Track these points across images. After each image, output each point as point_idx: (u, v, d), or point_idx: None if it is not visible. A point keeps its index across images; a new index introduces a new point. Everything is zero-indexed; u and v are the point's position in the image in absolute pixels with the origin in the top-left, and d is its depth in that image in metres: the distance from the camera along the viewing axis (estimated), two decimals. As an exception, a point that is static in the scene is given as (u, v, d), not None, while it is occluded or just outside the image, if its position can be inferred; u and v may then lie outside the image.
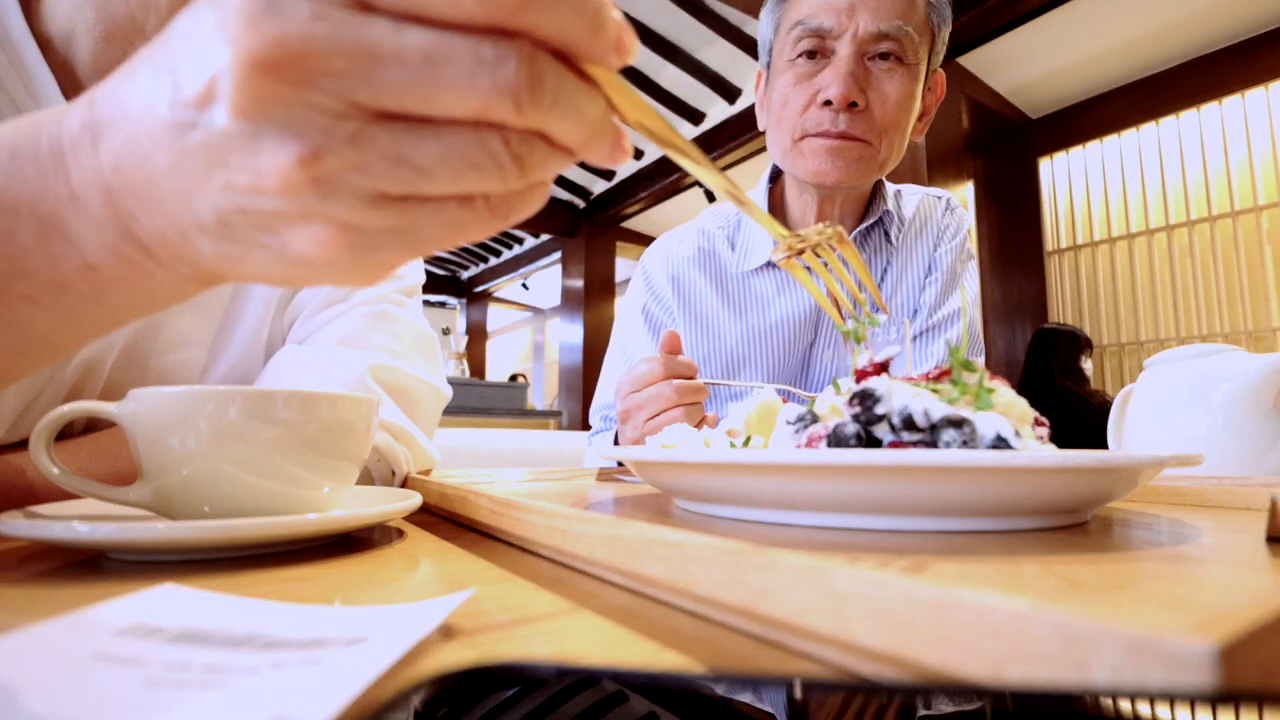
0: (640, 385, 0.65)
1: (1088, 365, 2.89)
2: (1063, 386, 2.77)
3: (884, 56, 0.76)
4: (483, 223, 0.20)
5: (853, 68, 0.75)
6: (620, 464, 0.57)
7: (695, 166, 0.25)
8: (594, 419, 0.97)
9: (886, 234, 0.90)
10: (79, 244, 0.22)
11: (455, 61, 0.17)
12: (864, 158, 0.78)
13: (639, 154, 4.42)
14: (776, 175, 0.94)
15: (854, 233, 0.88)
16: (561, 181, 4.72)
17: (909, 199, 0.94)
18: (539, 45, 0.18)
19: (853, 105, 0.76)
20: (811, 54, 0.76)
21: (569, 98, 0.18)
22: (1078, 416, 2.66)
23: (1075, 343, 2.89)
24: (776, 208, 0.92)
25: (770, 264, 0.88)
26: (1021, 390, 2.85)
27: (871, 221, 0.89)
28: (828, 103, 0.76)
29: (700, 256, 0.92)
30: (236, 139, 0.17)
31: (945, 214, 0.93)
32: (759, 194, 0.92)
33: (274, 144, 0.17)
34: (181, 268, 0.23)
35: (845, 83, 0.74)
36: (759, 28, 0.86)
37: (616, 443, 0.77)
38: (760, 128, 0.88)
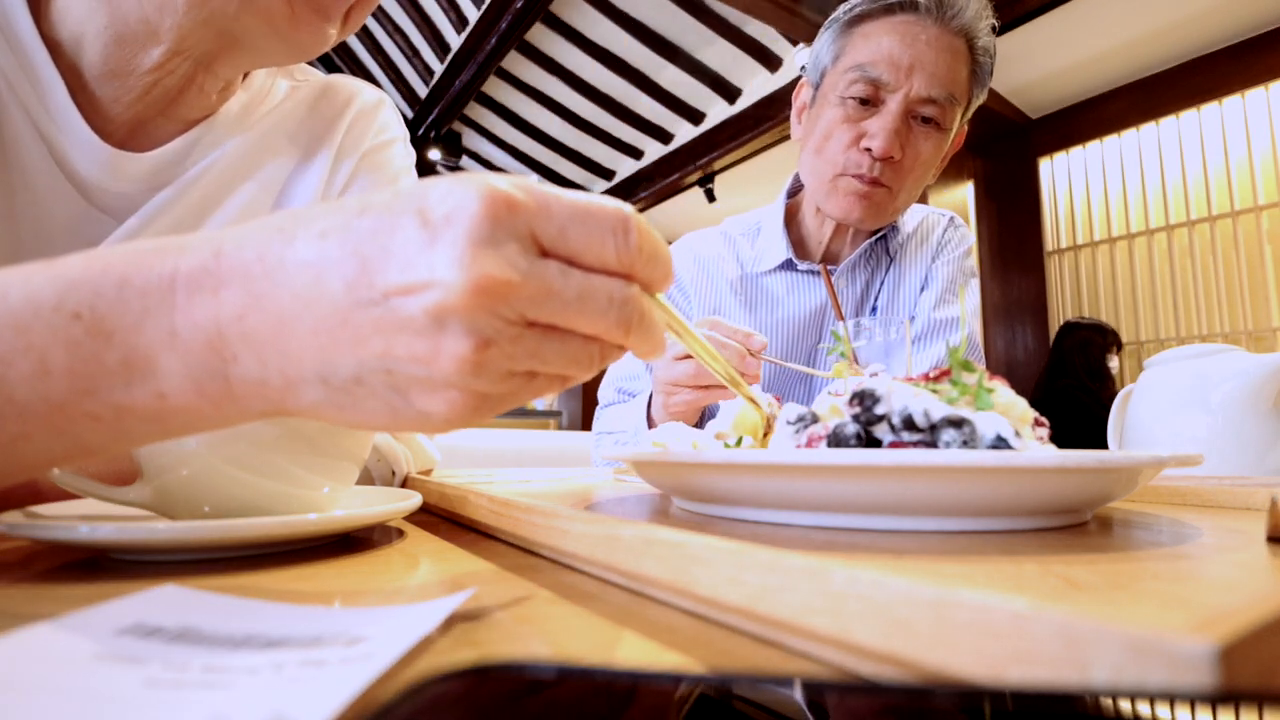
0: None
1: (1114, 363, 2.78)
2: (1074, 385, 2.70)
3: (926, 120, 0.81)
4: (555, 390, 0.26)
5: (898, 125, 0.80)
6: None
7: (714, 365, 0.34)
8: (606, 391, 0.99)
9: (887, 246, 0.95)
10: (161, 376, 0.24)
11: (597, 298, 0.23)
12: (885, 203, 0.85)
13: (639, 154, 4.42)
14: (796, 189, 0.98)
15: (860, 246, 0.93)
16: (562, 181, 4.72)
17: (914, 215, 0.98)
18: (639, 283, 0.25)
19: (889, 158, 0.81)
20: (863, 100, 0.81)
21: (652, 325, 0.26)
22: (1089, 416, 2.55)
23: (1101, 338, 2.77)
24: (792, 219, 0.97)
25: (782, 266, 0.93)
26: (1038, 389, 2.81)
27: (876, 237, 0.93)
28: (868, 149, 0.81)
29: (720, 254, 0.97)
30: (423, 326, 0.22)
31: (947, 230, 0.97)
32: (777, 205, 0.97)
33: (459, 335, 0.22)
34: (258, 405, 0.25)
35: (890, 139, 0.80)
36: (814, 45, 0.89)
37: (649, 414, 0.81)
38: (794, 137, 0.93)
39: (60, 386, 0.23)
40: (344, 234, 0.23)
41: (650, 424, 0.82)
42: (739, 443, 0.42)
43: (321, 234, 0.23)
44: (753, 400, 0.41)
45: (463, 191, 0.22)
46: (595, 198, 0.24)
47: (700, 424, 0.82)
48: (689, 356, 0.66)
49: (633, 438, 0.84)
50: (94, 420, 0.24)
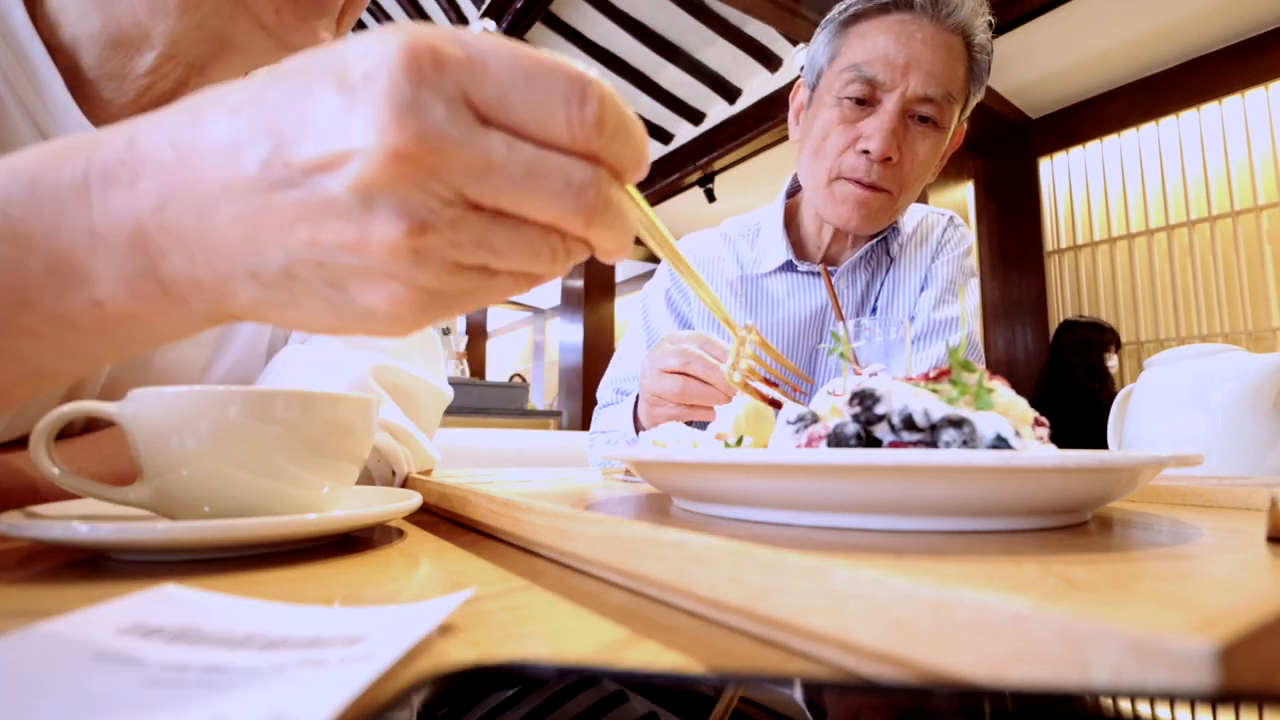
0: (669, 370, 0.66)
1: (1113, 363, 2.76)
2: (1072, 385, 2.70)
3: (923, 119, 0.81)
4: (520, 290, 0.24)
5: (895, 125, 0.79)
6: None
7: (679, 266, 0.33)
8: (605, 392, 0.99)
9: (887, 247, 0.94)
10: (90, 279, 0.22)
11: (549, 178, 0.20)
12: (884, 207, 0.84)
13: (639, 154, 4.42)
14: (795, 190, 0.98)
15: (861, 248, 0.93)
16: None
17: (913, 215, 0.98)
18: (605, 166, 0.21)
19: (887, 159, 0.80)
20: (859, 100, 0.80)
21: (618, 218, 0.22)
22: (1089, 416, 2.54)
23: (1100, 336, 2.76)
24: (791, 220, 0.97)
25: (782, 268, 0.93)
26: (1038, 389, 2.81)
27: (877, 239, 0.93)
28: (865, 151, 0.80)
29: (720, 255, 0.97)
30: (347, 206, 0.19)
31: (947, 230, 0.97)
32: (776, 206, 0.96)
33: (388, 216, 0.19)
34: (199, 307, 0.23)
35: (887, 139, 0.79)
36: (811, 45, 0.88)
37: (636, 418, 0.81)
38: (792, 138, 0.93)
39: None
40: (256, 106, 0.20)
41: (636, 426, 0.81)
42: (739, 442, 0.42)
43: (233, 109, 0.20)
44: (730, 323, 0.41)
45: (383, 46, 0.19)
46: (550, 55, 0.20)
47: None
48: (678, 373, 0.65)
49: (622, 439, 0.84)
50: (33, 336, 0.23)
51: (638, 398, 0.81)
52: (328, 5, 0.46)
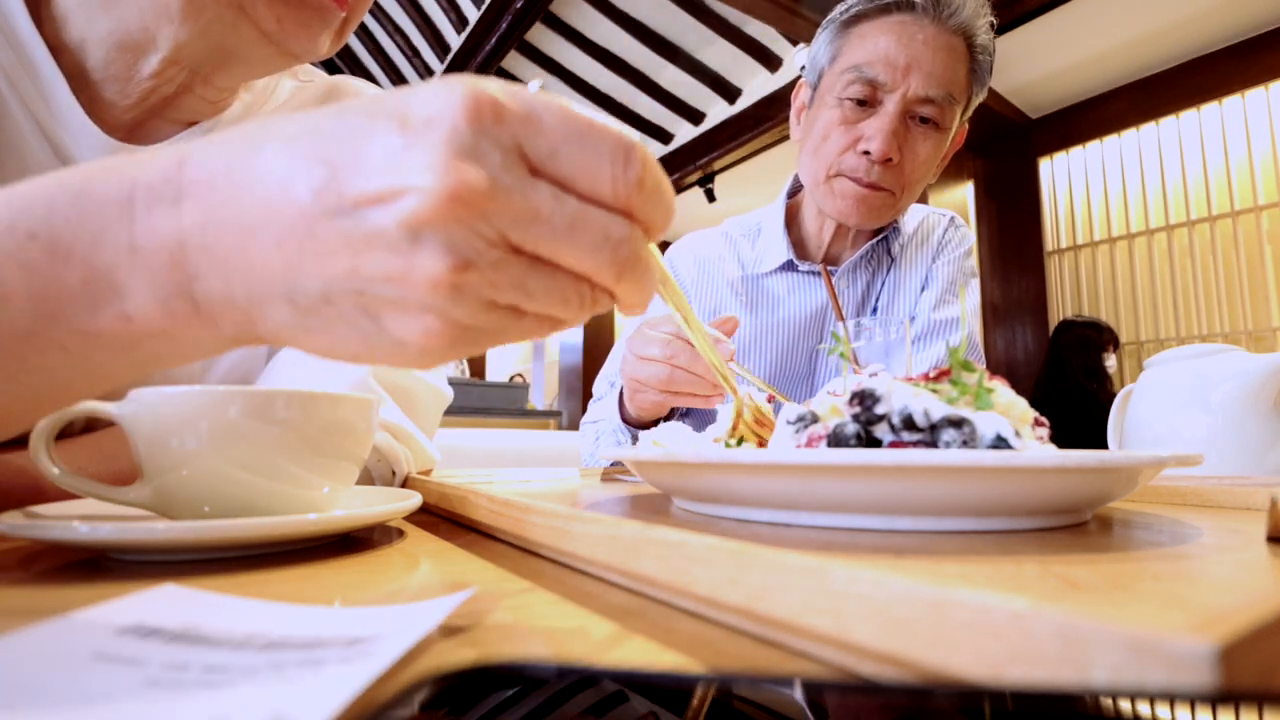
0: (649, 359, 0.66)
1: (1111, 362, 2.76)
2: (1071, 385, 2.70)
3: (924, 120, 0.81)
4: (541, 334, 0.24)
5: (896, 126, 0.79)
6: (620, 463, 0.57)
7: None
8: (600, 385, 0.99)
9: (888, 247, 0.94)
10: (124, 294, 0.22)
11: (590, 231, 0.21)
12: (886, 205, 0.84)
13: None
14: (796, 190, 0.98)
15: (861, 248, 0.93)
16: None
17: (914, 215, 0.98)
18: (638, 223, 0.23)
19: (888, 160, 0.80)
20: (860, 101, 0.80)
21: (645, 274, 0.24)
22: (1088, 415, 2.53)
23: (1097, 335, 2.75)
24: (792, 220, 0.97)
25: (782, 267, 0.93)
26: (1038, 390, 2.81)
27: (878, 239, 0.93)
28: (866, 152, 0.80)
29: (721, 255, 0.97)
30: (395, 240, 0.20)
31: (948, 230, 0.97)
32: (777, 205, 0.97)
33: (434, 252, 0.20)
34: (228, 328, 0.23)
35: (888, 140, 0.79)
36: (812, 45, 0.88)
37: (621, 406, 0.81)
38: (793, 138, 0.93)
39: (22, 313, 0.22)
40: (314, 138, 0.21)
41: (623, 413, 0.81)
42: (739, 443, 0.42)
43: (290, 138, 0.21)
44: (724, 373, 0.42)
45: (447, 94, 0.20)
46: (599, 117, 0.22)
47: (671, 414, 0.82)
48: (656, 362, 0.65)
49: (609, 428, 0.83)
50: (61, 350, 0.23)
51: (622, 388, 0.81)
52: (329, 14, 0.46)
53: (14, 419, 0.26)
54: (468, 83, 0.20)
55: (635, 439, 0.81)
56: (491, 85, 0.21)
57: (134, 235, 0.22)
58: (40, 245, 0.22)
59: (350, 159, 0.20)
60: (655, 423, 0.81)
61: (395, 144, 0.20)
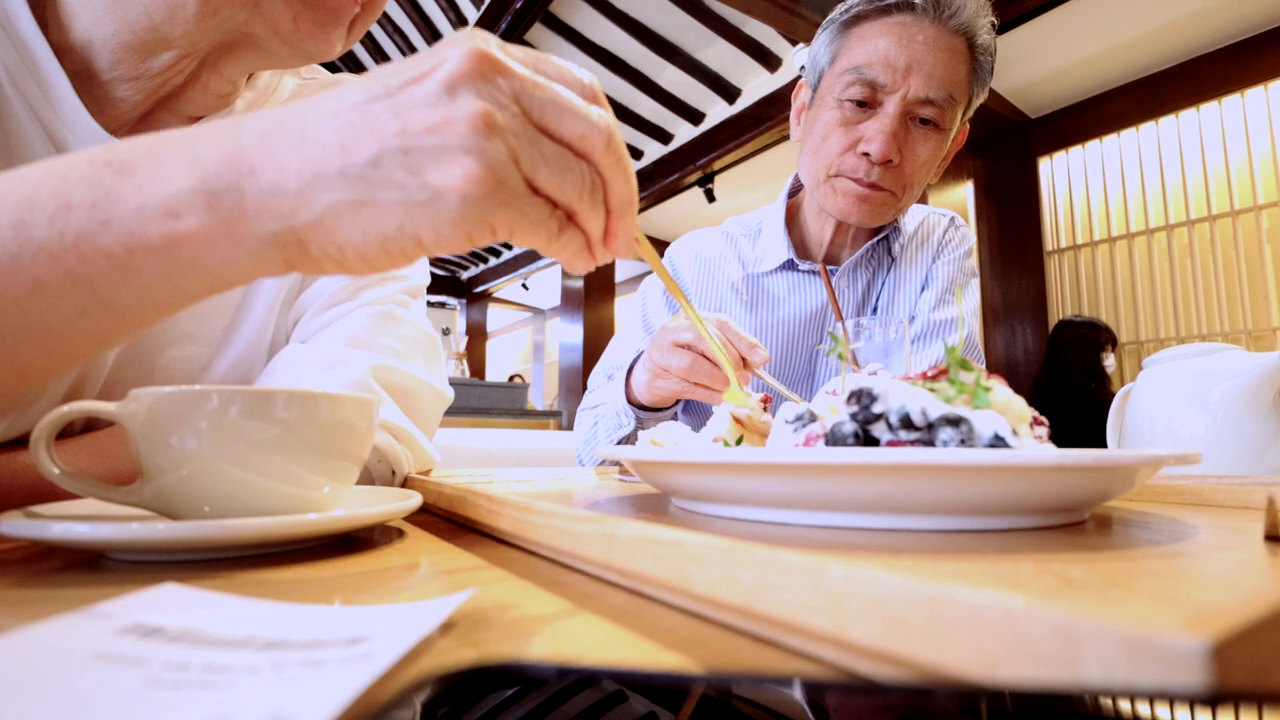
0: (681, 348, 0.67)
1: (1109, 362, 2.76)
2: (1069, 385, 2.70)
3: (924, 121, 0.80)
4: (549, 231, 0.28)
5: (896, 128, 0.79)
6: (619, 463, 0.57)
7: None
8: (596, 378, 0.98)
9: (889, 247, 0.94)
10: (175, 191, 0.25)
11: (577, 109, 0.27)
12: (886, 204, 0.84)
13: (638, 154, 4.42)
14: (796, 190, 0.98)
15: (862, 248, 0.93)
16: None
17: (915, 215, 0.98)
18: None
19: (888, 161, 0.80)
20: (860, 102, 0.80)
21: (627, 166, 0.29)
22: (1087, 418, 2.53)
23: (1095, 335, 2.75)
24: (793, 219, 0.97)
25: (783, 267, 0.93)
26: (1037, 390, 2.81)
27: (878, 238, 0.93)
28: (866, 154, 0.80)
29: (722, 254, 0.97)
30: (436, 97, 0.25)
31: (948, 230, 0.97)
32: (778, 205, 0.97)
33: (468, 98, 0.25)
34: (271, 225, 0.26)
35: (887, 142, 0.79)
36: (812, 46, 0.88)
37: (630, 398, 0.81)
38: (793, 138, 0.93)
39: (78, 219, 0.25)
40: (362, 79, 0.27)
41: (628, 393, 0.81)
42: (739, 442, 0.42)
43: (337, 91, 0.27)
44: (723, 360, 0.43)
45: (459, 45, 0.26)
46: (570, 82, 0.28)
47: (674, 416, 0.82)
48: (688, 347, 0.66)
49: (611, 410, 0.83)
50: (106, 258, 0.25)
51: (630, 370, 0.81)
52: (343, 13, 0.46)
53: (56, 346, 0.28)
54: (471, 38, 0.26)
55: (639, 421, 0.81)
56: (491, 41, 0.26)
57: (196, 150, 0.26)
58: (113, 169, 0.26)
59: (393, 70, 0.26)
60: (668, 407, 0.81)
61: (427, 54, 0.26)
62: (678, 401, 0.81)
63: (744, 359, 0.62)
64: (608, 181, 0.29)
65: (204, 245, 0.26)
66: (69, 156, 0.27)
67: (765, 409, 0.46)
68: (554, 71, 0.28)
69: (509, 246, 6.42)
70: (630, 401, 0.81)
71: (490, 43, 0.26)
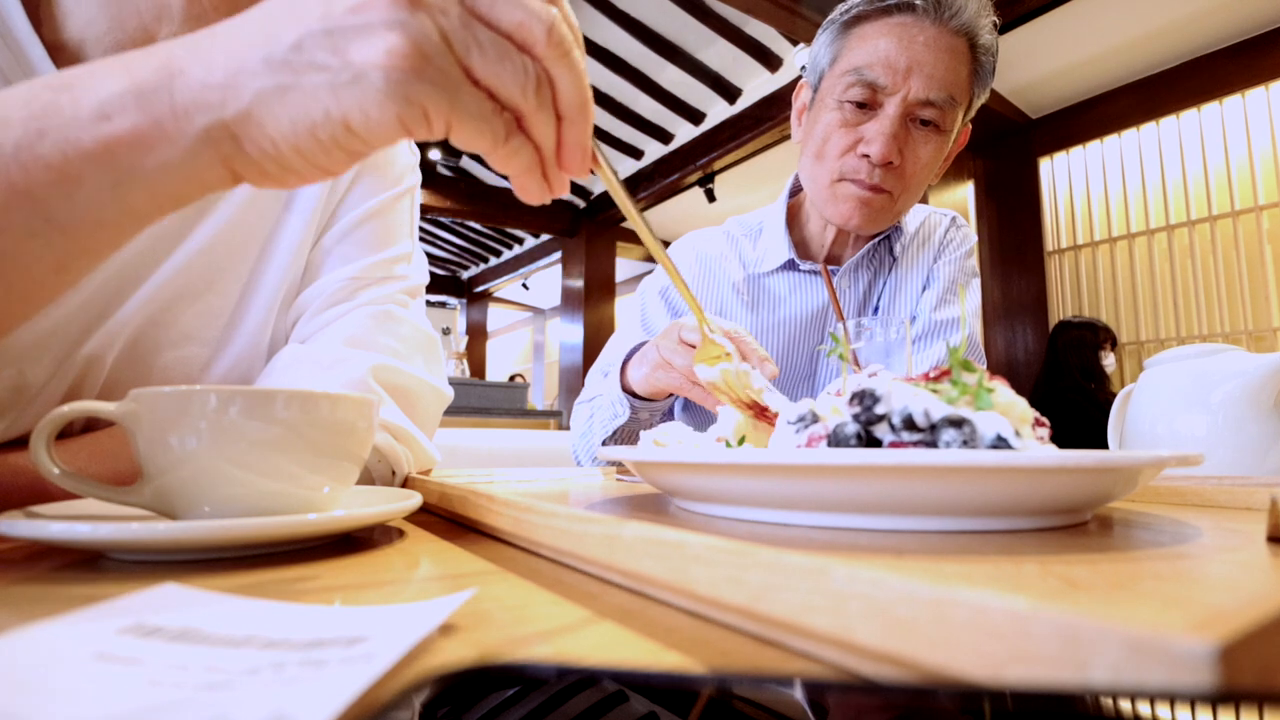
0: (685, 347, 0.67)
1: (1109, 361, 2.76)
2: (1070, 385, 2.70)
3: (925, 122, 0.80)
4: (492, 131, 0.27)
5: (896, 129, 0.79)
6: (619, 463, 0.57)
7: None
8: (594, 377, 0.98)
9: (890, 247, 0.94)
10: (105, 96, 0.26)
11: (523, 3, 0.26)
12: (886, 208, 0.84)
13: (639, 154, 4.43)
14: (797, 189, 0.98)
15: (863, 248, 0.92)
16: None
17: (916, 215, 0.97)
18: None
19: (889, 163, 0.80)
20: (860, 104, 0.80)
21: (575, 63, 0.27)
22: (1087, 418, 2.53)
23: (1093, 335, 2.75)
24: (794, 219, 0.97)
25: (784, 267, 0.93)
26: (1037, 391, 2.81)
27: (879, 238, 0.93)
28: (866, 155, 0.80)
29: (723, 253, 0.97)
30: None
31: (949, 230, 0.97)
32: (779, 205, 0.96)
33: None
34: (201, 119, 0.26)
35: (888, 144, 0.78)
36: (812, 46, 0.88)
37: (625, 387, 0.80)
38: (794, 139, 0.93)
39: (15, 132, 0.26)
40: None
41: (623, 382, 0.80)
42: (740, 443, 0.42)
43: None
44: (704, 318, 0.43)
45: None
46: None
47: (670, 409, 0.81)
48: (695, 347, 0.66)
49: (607, 403, 0.83)
50: (46, 169, 0.26)
51: (625, 362, 0.80)
52: None
53: (12, 271, 0.28)
54: None
55: (633, 410, 0.80)
56: None
57: (130, 61, 0.26)
58: (52, 88, 0.26)
59: None
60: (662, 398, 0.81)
61: None
62: (672, 395, 0.81)
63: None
64: (555, 79, 0.27)
65: (139, 148, 0.26)
66: (8, 88, 0.27)
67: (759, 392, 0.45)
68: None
69: (508, 246, 6.42)
70: (625, 390, 0.81)
71: None
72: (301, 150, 0.26)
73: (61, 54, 0.45)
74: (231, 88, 0.25)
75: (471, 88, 0.26)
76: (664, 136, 4.19)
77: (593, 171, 0.31)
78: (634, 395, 0.80)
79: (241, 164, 0.27)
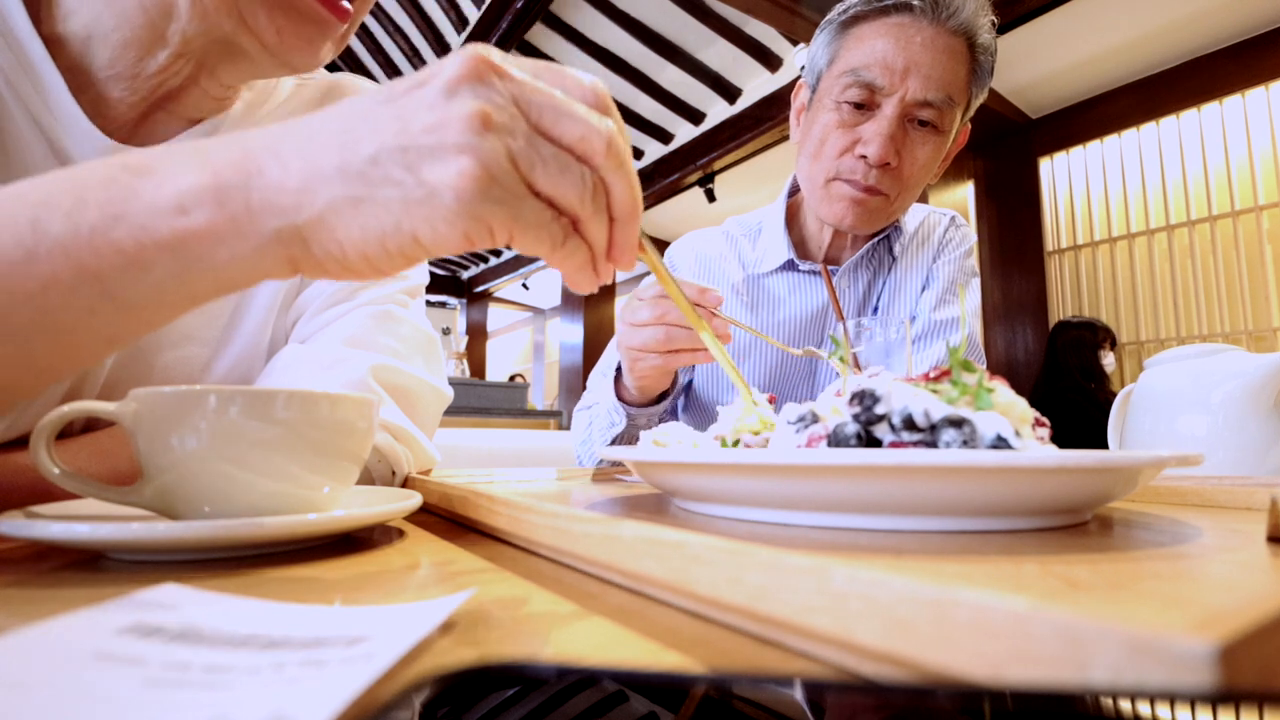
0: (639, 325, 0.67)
1: (1109, 361, 2.76)
2: (1069, 385, 2.70)
3: (923, 123, 0.80)
4: (551, 237, 0.28)
5: (894, 130, 0.78)
6: (619, 463, 0.57)
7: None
8: (595, 379, 0.98)
9: (889, 247, 0.94)
10: (185, 188, 0.26)
11: (576, 113, 0.28)
12: (881, 209, 0.83)
13: (639, 154, 4.42)
14: (796, 189, 0.98)
15: (862, 248, 0.92)
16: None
17: (916, 215, 0.97)
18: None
19: (886, 164, 0.79)
20: (858, 104, 0.79)
21: (630, 172, 0.29)
22: (1087, 418, 2.53)
23: (1093, 335, 2.75)
24: (793, 219, 0.96)
25: (783, 267, 0.93)
26: (1037, 391, 2.81)
27: (878, 238, 0.92)
28: (863, 156, 0.79)
29: (722, 253, 0.97)
30: (435, 99, 0.26)
31: (949, 229, 0.97)
32: (778, 205, 0.96)
33: (465, 99, 0.26)
34: (273, 221, 0.27)
35: (885, 145, 0.78)
36: (810, 47, 0.88)
37: (619, 390, 0.80)
38: (792, 139, 0.93)
39: (93, 215, 0.26)
40: (372, 89, 0.29)
41: (619, 394, 0.80)
42: (738, 444, 0.42)
43: (348, 99, 0.28)
44: (702, 324, 0.43)
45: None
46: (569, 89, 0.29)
47: (671, 389, 0.81)
48: (654, 322, 0.65)
49: (604, 409, 0.83)
50: (118, 253, 0.26)
51: (618, 371, 0.80)
52: (330, 27, 0.46)
53: (69, 342, 0.29)
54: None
55: (629, 419, 0.80)
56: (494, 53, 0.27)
57: (209, 152, 0.27)
58: (130, 170, 0.27)
59: (399, 81, 0.28)
60: (657, 400, 0.80)
61: (431, 67, 0.27)
62: (664, 395, 0.81)
63: (697, 304, 0.61)
64: (610, 186, 0.29)
65: (211, 241, 0.27)
66: (87, 164, 0.28)
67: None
68: (555, 77, 0.28)
69: (509, 246, 6.42)
70: (623, 399, 0.81)
71: (492, 52, 0.27)
72: (367, 256, 0.27)
73: (62, 48, 0.45)
74: (307, 192, 0.26)
75: (533, 200, 0.27)
76: (664, 136, 4.19)
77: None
78: (629, 404, 0.80)
79: (305, 261, 0.28)
